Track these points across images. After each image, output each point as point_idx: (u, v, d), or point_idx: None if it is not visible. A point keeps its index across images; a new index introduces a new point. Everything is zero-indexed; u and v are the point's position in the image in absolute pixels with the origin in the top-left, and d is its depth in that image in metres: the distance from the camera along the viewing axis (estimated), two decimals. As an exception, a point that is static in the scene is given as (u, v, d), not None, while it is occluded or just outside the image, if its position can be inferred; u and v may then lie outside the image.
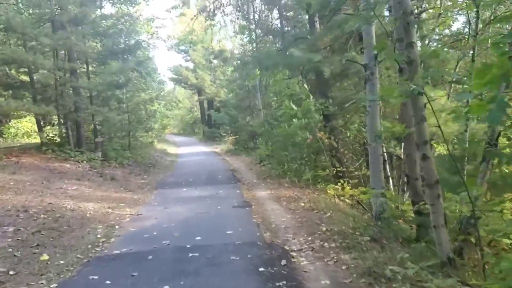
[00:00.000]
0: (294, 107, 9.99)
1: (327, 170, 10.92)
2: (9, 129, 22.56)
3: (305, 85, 9.44)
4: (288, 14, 17.12)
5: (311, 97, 10.51)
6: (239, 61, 26.29)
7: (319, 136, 10.29)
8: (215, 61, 42.32)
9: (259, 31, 17.77)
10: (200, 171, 15.80)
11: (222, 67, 34.15)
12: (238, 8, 18.76)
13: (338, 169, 11.14)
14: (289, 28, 17.10)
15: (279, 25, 17.09)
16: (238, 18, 19.20)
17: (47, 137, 15.75)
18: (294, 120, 10.06)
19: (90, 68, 15.48)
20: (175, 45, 43.25)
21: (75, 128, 15.20)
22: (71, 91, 14.81)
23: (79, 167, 13.50)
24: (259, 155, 18.94)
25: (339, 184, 9.99)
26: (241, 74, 26.63)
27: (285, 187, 11.52)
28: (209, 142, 38.50)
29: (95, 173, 13.26)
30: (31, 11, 14.42)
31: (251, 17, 17.81)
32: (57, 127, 15.89)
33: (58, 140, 15.50)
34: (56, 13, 13.09)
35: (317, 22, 13.32)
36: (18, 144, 17.32)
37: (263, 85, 19.21)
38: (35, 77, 14.87)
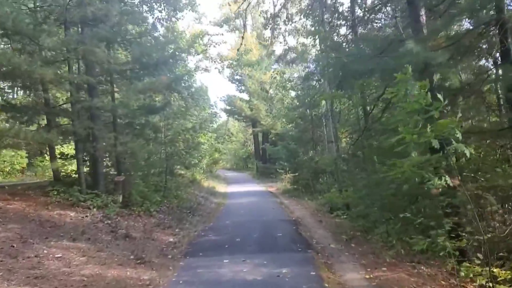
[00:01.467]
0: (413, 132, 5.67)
1: (465, 240, 6.30)
2: (42, 161, 19.98)
3: (439, 95, 5.17)
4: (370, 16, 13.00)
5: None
6: (301, 84, 22.32)
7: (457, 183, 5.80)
8: (271, 91, 38.91)
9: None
10: (252, 223, 11.65)
11: (280, 94, 30.26)
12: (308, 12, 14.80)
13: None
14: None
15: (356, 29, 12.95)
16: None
17: (62, 172, 12.46)
18: (413, 153, 5.72)
19: (115, 87, 12.13)
20: (230, 74, 40.49)
21: (92, 163, 11.77)
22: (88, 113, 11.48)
23: (86, 216, 9.84)
24: (330, 200, 14.49)
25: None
26: (303, 101, 22.70)
27: (388, 262, 7.04)
28: (263, 179, 34.42)
29: (106, 226, 9.50)
30: (33, 6, 11.42)
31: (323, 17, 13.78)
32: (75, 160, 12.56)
33: (74, 176, 12.13)
34: (67, 8, 9.85)
35: (423, 15, 9.10)
36: (33, 181, 14.21)
37: (335, 111, 14.96)
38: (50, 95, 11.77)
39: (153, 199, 11.60)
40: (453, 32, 8.60)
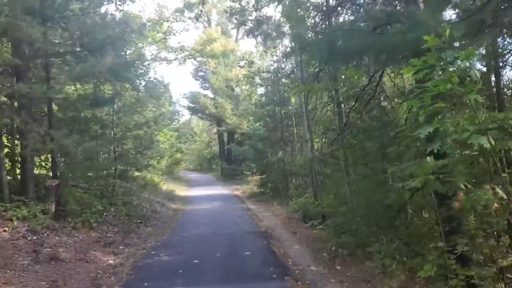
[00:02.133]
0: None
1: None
2: None
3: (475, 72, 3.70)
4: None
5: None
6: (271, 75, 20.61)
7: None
8: (237, 89, 37.13)
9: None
10: (215, 236, 9.84)
11: (248, 90, 28.51)
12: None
13: None
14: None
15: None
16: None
17: None
18: (428, 158, 4.07)
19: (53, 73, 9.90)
20: (193, 71, 38.35)
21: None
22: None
23: (4, 231, 7.71)
24: (303, 207, 12.88)
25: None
26: (272, 98, 21.06)
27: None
28: (228, 182, 32.55)
29: (29, 244, 7.41)
30: None
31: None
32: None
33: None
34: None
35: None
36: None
37: (310, 108, 13.34)
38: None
39: (94, 209, 9.51)
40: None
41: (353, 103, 10.20)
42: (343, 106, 10.20)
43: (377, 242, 6.98)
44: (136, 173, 16.93)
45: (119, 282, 6.28)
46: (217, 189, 26.98)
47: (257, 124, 23.11)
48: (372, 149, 7.82)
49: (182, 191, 24.97)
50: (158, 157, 22.57)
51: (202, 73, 38.00)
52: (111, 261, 7.40)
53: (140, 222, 11.50)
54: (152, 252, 8.23)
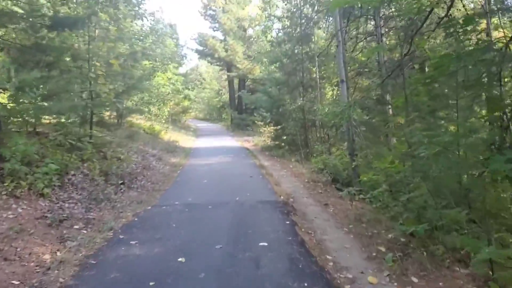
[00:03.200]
0: None
1: None
2: None
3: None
4: None
5: None
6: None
7: None
8: (250, 31, 33.36)
9: None
10: (216, 208, 7.09)
11: (263, 23, 24.93)
12: None
13: None
14: None
15: None
16: None
17: None
18: None
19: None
20: (202, 8, 34.40)
21: None
22: None
23: None
24: (333, 168, 10.05)
25: None
26: (291, 35, 17.67)
27: None
28: (239, 132, 29.80)
29: None
30: None
31: None
32: None
33: None
34: None
35: None
36: None
37: (345, 36, 10.07)
38: None
39: (47, 167, 6.74)
40: None
41: (420, 23, 7.01)
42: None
43: (471, 234, 4.15)
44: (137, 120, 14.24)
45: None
46: (226, 140, 24.24)
47: (273, 67, 19.82)
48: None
49: (186, 141, 22.29)
50: (158, 103, 19.68)
51: (211, 12, 34.06)
52: (47, 257, 4.69)
53: (122, 183, 8.79)
54: (121, 237, 5.51)
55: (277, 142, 18.66)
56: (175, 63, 28.64)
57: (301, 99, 16.22)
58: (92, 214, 6.48)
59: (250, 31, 33.28)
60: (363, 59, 10.51)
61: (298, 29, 16.84)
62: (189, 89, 35.68)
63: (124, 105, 12.61)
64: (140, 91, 16.37)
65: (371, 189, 6.94)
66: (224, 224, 6.04)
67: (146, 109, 18.55)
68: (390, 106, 8.51)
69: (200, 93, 57.04)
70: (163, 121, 21.18)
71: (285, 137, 17.48)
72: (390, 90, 7.94)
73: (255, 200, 7.70)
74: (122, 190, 8.47)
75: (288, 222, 6.20)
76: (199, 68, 41.33)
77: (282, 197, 8.11)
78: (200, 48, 34.32)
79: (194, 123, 44.82)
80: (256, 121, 22.55)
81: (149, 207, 7.33)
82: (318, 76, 16.83)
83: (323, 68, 17.24)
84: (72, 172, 7.90)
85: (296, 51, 17.64)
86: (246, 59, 30.84)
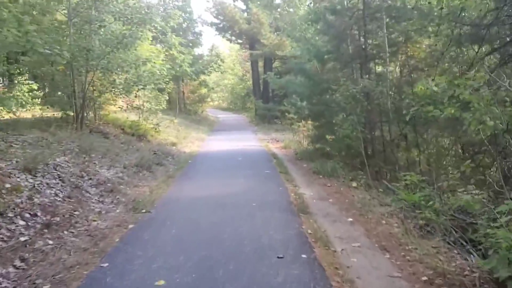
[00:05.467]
0: None
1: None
2: None
3: None
4: None
5: None
6: None
7: None
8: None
9: None
10: None
11: None
12: None
13: None
14: None
15: None
16: None
17: None
18: None
19: None
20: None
21: None
22: None
23: None
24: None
25: None
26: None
27: None
28: (265, 127, 23.43)
29: None
30: None
31: None
32: None
33: None
34: None
35: None
36: None
37: None
38: None
39: None
40: None
41: None
42: None
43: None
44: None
45: None
46: (246, 138, 17.96)
47: (312, 31, 13.16)
48: None
49: (192, 142, 16.14)
50: (147, 87, 13.46)
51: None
52: None
53: None
54: None
55: (320, 145, 12.23)
56: (179, 37, 22.43)
57: (366, 77, 9.64)
58: None
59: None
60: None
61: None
62: (205, 74, 29.55)
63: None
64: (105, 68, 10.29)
65: None
66: None
67: (122, 97, 12.41)
68: None
69: (223, 79, 50.91)
70: (155, 115, 14.97)
71: (334, 139, 11.01)
72: None
73: None
74: None
75: None
76: (216, 49, 34.93)
77: None
78: (217, 21, 27.90)
79: (215, 114, 38.88)
80: (287, 114, 16.04)
81: None
82: (387, 42, 10.23)
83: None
84: None
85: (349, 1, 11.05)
86: (273, 33, 24.25)
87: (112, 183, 7.68)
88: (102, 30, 10.42)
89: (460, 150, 8.96)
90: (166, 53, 17.61)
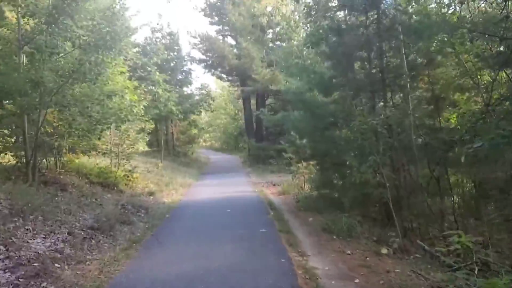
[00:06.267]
0: None
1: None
2: None
3: None
4: None
5: None
6: None
7: None
8: (269, 32, 25.32)
9: None
10: None
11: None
12: None
13: None
14: None
15: None
16: None
17: None
18: None
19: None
20: (205, 2, 26.48)
21: None
22: None
23: None
24: None
25: None
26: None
27: None
28: (259, 168, 21.24)
29: None
30: None
31: None
32: None
33: None
34: None
35: None
36: None
37: None
38: None
39: None
40: None
41: None
42: None
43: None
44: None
45: None
46: (238, 182, 15.73)
47: (312, 56, 11.21)
48: None
49: (175, 189, 13.87)
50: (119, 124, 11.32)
51: (217, 3, 26.10)
52: None
53: None
54: None
55: (327, 191, 9.99)
56: (165, 75, 20.61)
57: (382, 102, 7.59)
58: None
59: (269, 33, 25.18)
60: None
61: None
62: (194, 113, 27.59)
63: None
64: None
65: None
66: None
67: (88, 141, 10.21)
68: None
69: (216, 119, 49.06)
70: (130, 160, 12.69)
71: (344, 184, 8.82)
72: None
73: None
74: None
75: None
76: (207, 88, 33.12)
77: None
78: (205, 57, 26.26)
79: (207, 154, 36.73)
80: (283, 153, 13.86)
81: None
82: (406, 64, 8.34)
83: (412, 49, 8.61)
84: None
85: (357, 18, 9.19)
86: (265, 68, 22.57)
87: (42, 261, 5.33)
88: (54, 57, 8.38)
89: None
90: (146, 89, 15.61)
